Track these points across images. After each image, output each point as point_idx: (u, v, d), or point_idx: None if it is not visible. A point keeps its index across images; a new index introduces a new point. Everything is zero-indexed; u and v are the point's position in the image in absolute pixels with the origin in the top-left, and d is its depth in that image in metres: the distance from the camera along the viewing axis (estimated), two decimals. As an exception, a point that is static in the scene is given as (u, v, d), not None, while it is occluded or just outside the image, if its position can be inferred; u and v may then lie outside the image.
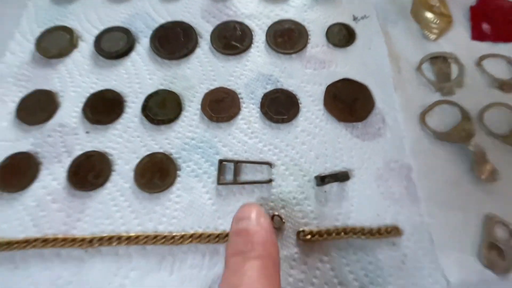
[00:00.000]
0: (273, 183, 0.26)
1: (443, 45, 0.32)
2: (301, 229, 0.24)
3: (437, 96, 0.29)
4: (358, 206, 0.25)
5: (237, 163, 0.26)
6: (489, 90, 0.29)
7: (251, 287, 0.16)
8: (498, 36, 0.32)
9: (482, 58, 0.31)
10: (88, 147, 0.27)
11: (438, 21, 0.32)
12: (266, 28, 0.32)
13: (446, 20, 0.32)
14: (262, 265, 0.17)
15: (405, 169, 0.26)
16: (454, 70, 0.30)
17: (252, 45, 0.32)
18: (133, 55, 0.31)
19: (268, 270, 0.17)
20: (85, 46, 0.32)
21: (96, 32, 0.32)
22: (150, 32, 0.32)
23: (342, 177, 0.25)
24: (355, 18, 0.33)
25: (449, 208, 0.25)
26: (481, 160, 0.26)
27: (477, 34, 0.32)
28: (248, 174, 0.26)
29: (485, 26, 0.32)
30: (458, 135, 0.27)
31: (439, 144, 0.27)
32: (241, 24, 0.32)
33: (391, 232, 0.24)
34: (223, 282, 0.17)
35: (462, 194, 0.25)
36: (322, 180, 0.25)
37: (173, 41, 0.31)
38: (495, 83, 0.29)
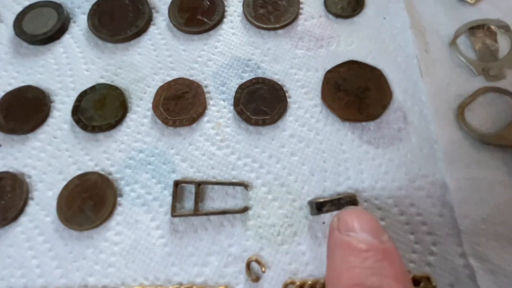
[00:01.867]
0: (250, 212, 0.18)
1: (486, 10, 0.23)
2: (288, 279, 0.17)
3: (480, 82, 0.21)
4: (371, 244, 0.18)
5: (200, 185, 0.19)
6: (554, 70, 0.21)
7: None
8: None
9: (542, 25, 0.22)
10: (0, 167, 0.20)
11: (479, -24, 0.23)
12: (243, -4, 0.24)
13: (489, -25, 0.24)
14: None
15: (438, 188, 0.18)
16: (504, 44, 0.22)
17: (225, 19, 0.23)
18: (66, 38, 0.23)
19: None
20: (3, 29, 0.24)
21: (19, 8, 0.25)
22: (89, 8, 0.24)
23: (347, 202, 0.18)
24: (363, -22, 0.25)
25: (504, 245, 0.17)
26: (549, 173, 0.18)
27: (533, -6, 0.24)
28: (215, 199, 0.19)
29: (545, -18, 0.24)
30: (514, 137, 0.19)
31: (486, 150, 0.19)
32: (210, -9, 0.24)
33: (420, 284, 0.17)
34: None
35: (522, 223, 0.18)
36: (319, 207, 0.17)
37: (119, 17, 0.23)
38: (562, 60, 0.21)
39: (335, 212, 0.17)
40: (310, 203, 0.18)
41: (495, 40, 0.22)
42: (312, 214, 0.18)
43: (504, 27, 0.22)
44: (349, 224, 0.14)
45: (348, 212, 0.15)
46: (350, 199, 0.17)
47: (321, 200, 0.18)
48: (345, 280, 0.12)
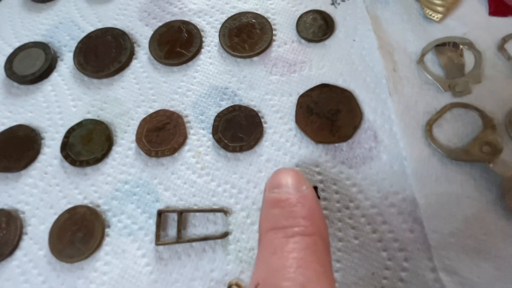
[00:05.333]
0: (230, 237, 0.19)
1: (452, 27, 0.24)
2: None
3: (447, 98, 0.22)
4: (346, 263, 0.18)
5: (182, 213, 0.20)
6: (518, 83, 0.22)
7: (299, 272, 0.13)
8: (525, 7, 0.24)
9: (506, 39, 0.23)
10: (-5, 204, 0.21)
11: (443, -5, 0.24)
12: (220, 27, 0.25)
13: (454, -8, 0.25)
14: (309, 244, 0.14)
15: (409, 204, 0.19)
16: (469, 59, 0.23)
17: (202, 49, 0.25)
18: (54, 76, 0.25)
19: (318, 251, 0.14)
20: (-4, 70, 0.26)
21: (10, 50, 0.26)
22: (75, 45, 0.26)
23: None
24: (333, 2, 0.26)
25: (472, 257, 0.18)
26: (515, 184, 0.19)
27: (496, 8, 0.24)
28: (197, 226, 0.20)
29: (507, -4, 0.25)
30: (480, 151, 0.20)
31: (454, 165, 0.20)
32: (187, 23, 0.26)
33: (393, 299, 0.18)
34: (260, 263, 0.14)
35: (491, 235, 0.18)
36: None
37: (103, 53, 0.25)
38: (526, 72, 0.22)
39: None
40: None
41: (461, 56, 0.23)
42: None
43: (467, 44, 0.23)
44: (274, 182, 0.16)
45: (275, 173, 0.17)
46: None
47: None
48: (264, 227, 0.15)
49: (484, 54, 0.23)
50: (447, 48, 0.23)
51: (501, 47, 0.23)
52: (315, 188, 0.19)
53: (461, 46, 0.23)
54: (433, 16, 0.24)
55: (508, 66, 0.22)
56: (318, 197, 0.20)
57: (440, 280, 0.17)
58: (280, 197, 0.15)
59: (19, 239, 0.20)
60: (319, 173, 0.21)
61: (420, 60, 0.23)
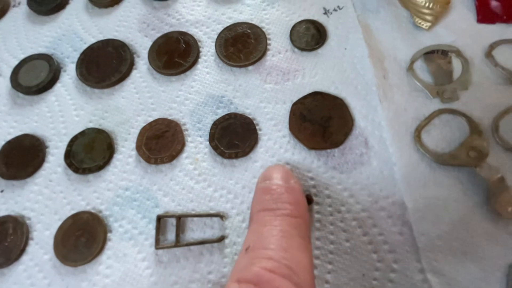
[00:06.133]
0: (226, 241, 0.20)
1: (441, 35, 0.24)
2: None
3: (436, 104, 0.22)
4: (338, 265, 0.19)
5: (180, 218, 0.21)
6: (505, 89, 0.22)
7: (283, 240, 0.15)
8: (513, 14, 0.25)
9: (493, 46, 0.23)
10: (2, 211, 0.22)
11: (432, 4, 0.25)
12: (216, 37, 0.26)
13: (443, 1, 0.25)
14: (294, 223, 0.16)
15: (398, 208, 0.20)
16: (457, 66, 0.23)
17: (199, 59, 0.26)
18: (58, 87, 0.26)
19: (301, 230, 0.16)
20: (2, 82, 0.27)
21: (15, 62, 0.27)
22: (78, 57, 0.27)
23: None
24: (326, 11, 0.27)
25: (459, 259, 0.19)
26: (500, 188, 0.19)
27: (484, 15, 0.25)
28: (195, 230, 0.21)
29: (494, 3, 0.25)
30: (466, 156, 0.20)
31: (442, 170, 0.20)
32: (185, 34, 0.26)
33: (382, 300, 0.18)
34: (251, 232, 0.16)
35: (477, 237, 0.19)
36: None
37: (104, 64, 0.26)
38: (512, 78, 0.23)
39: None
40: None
41: (449, 63, 0.24)
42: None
43: (455, 51, 0.23)
44: (267, 175, 0.19)
45: (267, 168, 0.19)
46: (306, 197, 0.19)
47: None
48: (256, 209, 0.17)
49: (472, 61, 0.23)
50: (436, 55, 0.24)
51: (488, 54, 0.23)
52: (308, 195, 0.20)
53: (449, 54, 0.24)
54: (423, 25, 0.25)
55: (495, 73, 0.23)
56: (312, 201, 0.21)
57: (428, 281, 0.18)
58: (270, 186, 0.18)
59: (26, 244, 0.21)
60: (311, 178, 0.21)
61: (410, 68, 0.24)
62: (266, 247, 0.15)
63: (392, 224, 0.20)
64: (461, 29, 0.25)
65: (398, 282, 0.18)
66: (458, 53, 0.23)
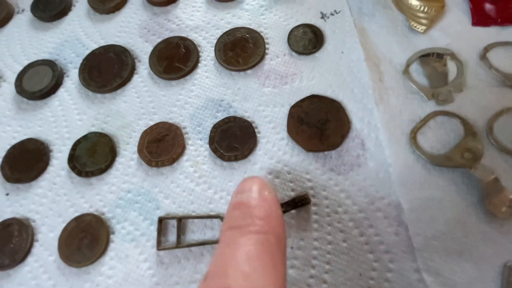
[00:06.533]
0: (226, 242, 0.21)
1: (436, 38, 0.25)
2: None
3: (431, 106, 0.23)
4: (335, 265, 0.20)
5: (181, 220, 0.21)
6: (499, 91, 0.23)
7: (246, 263, 0.14)
8: (507, 17, 0.25)
9: (488, 49, 0.24)
10: (8, 214, 0.23)
11: (427, 7, 0.25)
12: (215, 42, 0.27)
13: (438, 4, 0.26)
14: (262, 240, 0.15)
15: (394, 209, 0.20)
16: (452, 69, 0.24)
17: (199, 64, 0.26)
18: (61, 92, 0.26)
19: (269, 247, 0.15)
20: (7, 87, 0.27)
21: (19, 67, 0.28)
22: (80, 62, 0.27)
23: (300, 201, 0.20)
24: (323, 16, 0.27)
25: (454, 259, 0.19)
26: (495, 189, 0.20)
27: (479, 18, 0.25)
28: (195, 232, 0.21)
29: (489, 7, 0.26)
30: (461, 157, 0.21)
31: (437, 171, 0.21)
32: (185, 39, 0.27)
33: (379, 299, 0.19)
34: (214, 257, 0.15)
35: (472, 237, 0.19)
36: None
37: (106, 69, 0.26)
38: (506, 80, 0.23)
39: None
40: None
41: (445, 66, 0.24)
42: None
43: (450, 54, 0.24)
44: (240, 188, 0.17)
45: (242, 180, 0.18)
46: (303, 197, 0.20)
47: (280, 202, 0.20)
48: (224, 227, 0.16)
49: (467, 63, 0.24)
50: (431, 58, 0.24)
51: (483, 56, 0.24)
52: (305, 194, 0.21)
53: (444, 56, 0.24)
54: (418, 28, 0.25)
55: (490, 75, 0.23)
56: (309, 202, 0.21)
57: (423, 281, 0.18)
58: (241, 201, 0.17)
59: (31, 246, 0.21)
60: (309, 180, 0.22)
61: (405, 71, 0.24)
62: (226, 274, 0.14)
63: (388, 225, 0.20)
64: (456, 32, 0.25)
65: (394, 281, 0.19)
66: (453, 56, 0.24)
